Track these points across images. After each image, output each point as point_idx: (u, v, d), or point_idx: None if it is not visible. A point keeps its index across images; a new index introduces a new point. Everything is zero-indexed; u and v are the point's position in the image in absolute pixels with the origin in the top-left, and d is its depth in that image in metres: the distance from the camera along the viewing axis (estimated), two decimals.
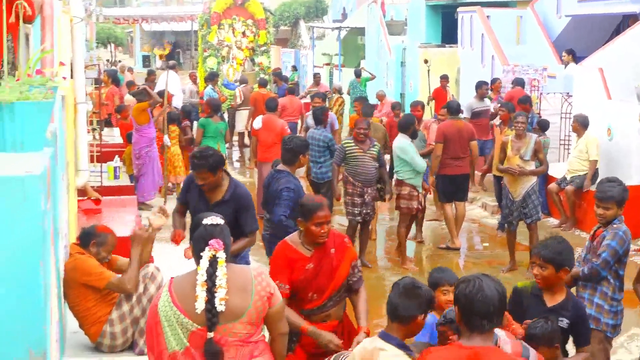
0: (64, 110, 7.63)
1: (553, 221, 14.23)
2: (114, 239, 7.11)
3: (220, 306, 4.59)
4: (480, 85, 17.04)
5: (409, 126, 12.13)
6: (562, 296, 5.97)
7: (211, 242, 4.69)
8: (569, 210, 13.76)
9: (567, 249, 5.95)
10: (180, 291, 4.70)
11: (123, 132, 16.89)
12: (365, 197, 11.89)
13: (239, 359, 4.75)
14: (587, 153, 13.50)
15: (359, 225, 12.08)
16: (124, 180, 14.45)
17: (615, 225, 6.98)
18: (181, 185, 14.75)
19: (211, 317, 4.60)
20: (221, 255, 4.66)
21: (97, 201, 11.36)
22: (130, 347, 6.94)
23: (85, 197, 11.28)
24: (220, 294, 4.59)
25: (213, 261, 4.65)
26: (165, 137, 15.50)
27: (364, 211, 11.90)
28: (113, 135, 19.28)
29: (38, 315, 3.99)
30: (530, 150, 11.45)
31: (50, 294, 4.35)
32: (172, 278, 4.87)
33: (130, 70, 32.37)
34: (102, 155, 14.04)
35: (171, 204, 13.91)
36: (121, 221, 10.62)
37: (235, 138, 22.34)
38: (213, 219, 4.87)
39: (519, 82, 17.15)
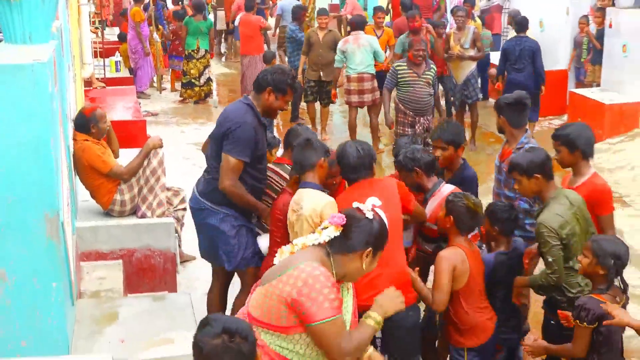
0: (67, 9, 7.49)
1: (491, 101, 14.27)
2: (102, 111, 6.75)
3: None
4: None
5: None
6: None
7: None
8: None
9: (461, 129, 5.98)
10: None
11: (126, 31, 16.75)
12: (417, 127, 9.62)
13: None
14: None
15: None
16: (124, 73, 14.34)
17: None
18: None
19: None
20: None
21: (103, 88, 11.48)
22: (134, 212, 6.98)
23: (92, 87, 11.28)
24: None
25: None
26: (155, 34, 15.54)
27: None
28: (114, 34, 18.99)
29: (50, 182, 4.03)
30: (469, 40, 11.65)
31: (60, 165, 4.37)
32: None
33: None
34: (104, 51, 13.96)
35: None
36: (122, 107, 10.70)
37: None
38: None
39: None
